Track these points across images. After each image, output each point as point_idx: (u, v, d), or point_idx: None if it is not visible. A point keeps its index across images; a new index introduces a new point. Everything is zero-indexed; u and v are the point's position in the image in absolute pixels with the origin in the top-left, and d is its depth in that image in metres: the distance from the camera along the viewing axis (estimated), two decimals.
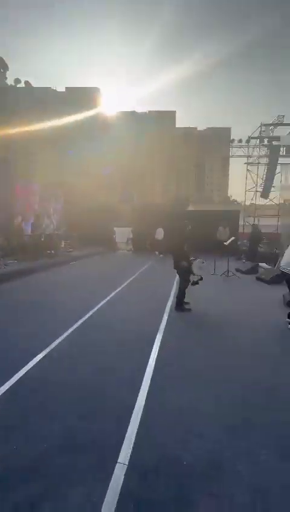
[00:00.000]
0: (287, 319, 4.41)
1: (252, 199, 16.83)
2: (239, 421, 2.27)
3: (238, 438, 2.09)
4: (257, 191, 16.40)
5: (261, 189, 16.38)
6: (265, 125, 15.60)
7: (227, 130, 72.85)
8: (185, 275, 5.06)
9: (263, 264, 10.93)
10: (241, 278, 8.14)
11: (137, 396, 2.54)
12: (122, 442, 2.01)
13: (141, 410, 2.35)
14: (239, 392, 2.66)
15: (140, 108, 75.30)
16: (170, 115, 76.25)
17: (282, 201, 17.16)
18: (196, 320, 4.63)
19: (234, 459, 1.90)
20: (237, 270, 8.95)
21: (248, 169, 16.76)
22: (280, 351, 3.63)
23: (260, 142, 15.83)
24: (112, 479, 1.74)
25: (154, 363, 3.15)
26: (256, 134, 15.93)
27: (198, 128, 79.55)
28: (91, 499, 1.61)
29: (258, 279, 8.00)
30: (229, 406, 2.46)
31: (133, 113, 72.15)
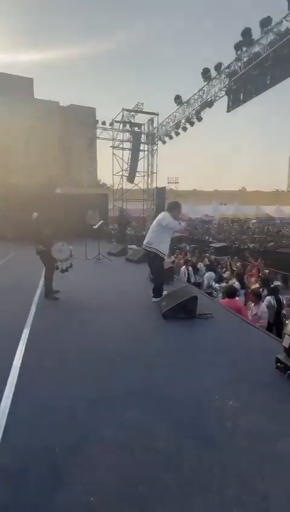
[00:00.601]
0: (152, 294, 5.10)
1: (119, 183, 17.87)
2: (101, 393, 2.53)
3: (99, 406, 2.34)
4: (123, 175, 17.48)
5: (127, 174, 17.58)
6: (127, 110, 16.62)
7: (92, 110, 73.17)
8: (50, 262, 4.97)
9: (132, 246, 11.95)
10: (113, 260, 8.68)
11: (3, 391, 2.40)
12: None
13: (7, 408, 2.25)
14: (104, 369, 2.94)
15: None
16: (26, 82, 69.40)
17: (146, 187, 18.98)
18: (67, 308, 4.67)
19: (100, 426, 2.13)
20: (109, 253, 9.45)
21: (113, 153, 17.54)
22: (142, 326, 4.19)
23: (123, 127, 16.81)
24: None
25: (21, 358, 3.02)
26: (119, 118, 16.78)
27: (60, 104, 76.13)
28: None
29: (127, 260, 8.74)
30: (95, 382, 2.69)
31: None
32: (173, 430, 2.10)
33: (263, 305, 5.28)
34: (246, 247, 16.28)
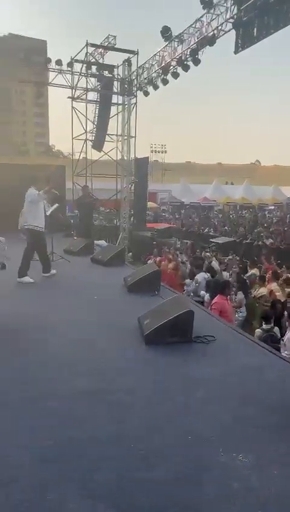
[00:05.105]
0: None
1: (82, 151, 17.66)
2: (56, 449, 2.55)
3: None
4: (87, 140, 17.34)
5: (93, 138, 17.45)
6: (93, 45, 16.50)
7: (41, 44, 72.14)
8: None
9: (101, 242, 11.97)
10: (73, 261, 8.65)
11: None
12: None
13: None
14: (61, 412, 2.96)
15: None
16: None
17: (121, 157, 18.90)
18: (3, 329, 4.62)
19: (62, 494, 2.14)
20: (66, 251, 9.41)
21: (73, 107, 17.33)
22: (114, 354, 4.23)
23: (87, 70, 16.65)
24: None
25: None
26: (81, 57, 16.63)
27: None
28: None
29: (93, 260, 8.75)
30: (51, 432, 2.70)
31: None
32: (161, 496, 2.13)
33: None
34: (260, 243, 16.69)
